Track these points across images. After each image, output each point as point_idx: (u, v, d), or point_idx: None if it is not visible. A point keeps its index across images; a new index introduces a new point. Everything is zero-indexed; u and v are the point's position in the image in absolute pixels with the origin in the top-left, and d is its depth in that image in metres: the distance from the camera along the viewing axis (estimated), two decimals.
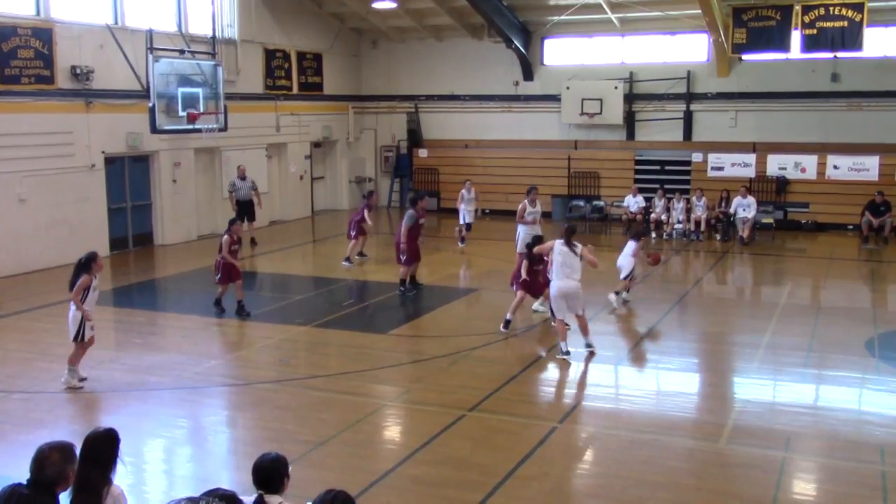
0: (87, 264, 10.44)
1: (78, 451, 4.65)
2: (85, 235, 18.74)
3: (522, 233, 16.09)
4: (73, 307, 10.39)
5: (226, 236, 14.00)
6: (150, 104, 18.86)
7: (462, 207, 21.27)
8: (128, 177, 20.41)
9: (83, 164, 18.76)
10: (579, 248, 11.65)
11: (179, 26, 21.14)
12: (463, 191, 21.48)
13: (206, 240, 21.97)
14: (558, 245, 11.63)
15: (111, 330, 14.22)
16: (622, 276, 14.73)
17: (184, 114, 19.61)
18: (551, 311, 12.08)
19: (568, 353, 11.53)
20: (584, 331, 11.85)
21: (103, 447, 4.74)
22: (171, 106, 19.44)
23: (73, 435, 4.99)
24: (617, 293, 14.64)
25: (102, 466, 4.69)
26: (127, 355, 12.16)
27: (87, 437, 4.76)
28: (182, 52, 20.10)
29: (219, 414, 10.01)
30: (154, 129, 19.22)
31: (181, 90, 19.55)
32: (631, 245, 14.77)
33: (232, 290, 14.08)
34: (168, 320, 14.39)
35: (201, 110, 20.04)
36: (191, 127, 19.99)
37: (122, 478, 4.96)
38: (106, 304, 15.64)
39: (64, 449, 4.57)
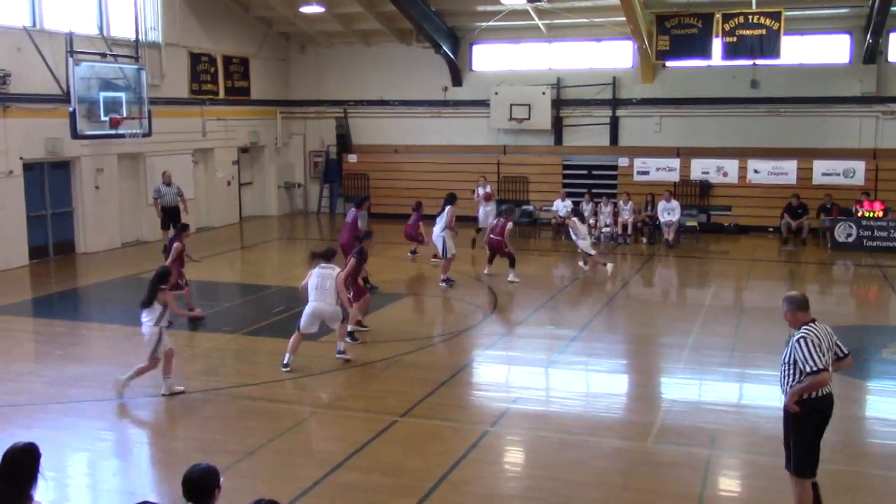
0: (165, 278, 10.37)
1: None
2: (2, 244, 18.21)
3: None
4: (150, 324, 10.18)
5: (177, 243, 13.73)
6: (71, 109, 18.37)
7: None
8: (48, 183, 19.83)
9: (0, 171, 18.16)
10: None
11: (101, 29, 20.65)
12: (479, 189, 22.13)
13: (130, 247, 21.52)
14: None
15: (30, 341, 13.84)
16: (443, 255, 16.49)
17: (106, 119, 19.13)
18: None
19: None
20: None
21: (23, 462, 4.60)
22: (93, 111, 18.94)
23: None
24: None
25: (22, 482, 4.55)
26: (47, 367, 11.81)
27: (6, 453, 4.61)
28: (104, 55, 19.63)
29: (144, 425, 9.80)
30: (75, 135, 18.71)
31: (103, 94, 19.07)
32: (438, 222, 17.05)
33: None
34: (91, 330, 14.03)
35: (124, 115, 19.58)
36: (113, 132, 19.51)
37: (43, 494, 4.81)
38: (25, 314, 15.22)
39: None
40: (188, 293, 13.96)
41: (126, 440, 9.33)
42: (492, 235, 17.35)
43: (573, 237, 18.30)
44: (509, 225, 17.10)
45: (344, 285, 11.60)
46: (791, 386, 6.66)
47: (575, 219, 18.39)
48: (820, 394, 6.63)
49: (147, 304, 10.19)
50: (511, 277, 16.76)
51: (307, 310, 11.32)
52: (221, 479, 4.70)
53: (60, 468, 8.32)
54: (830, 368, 6.63)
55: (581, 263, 18.47)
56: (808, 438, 6.70)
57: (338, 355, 11.70)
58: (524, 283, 16.83)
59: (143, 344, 10.35)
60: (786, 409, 6.78)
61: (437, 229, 17.21)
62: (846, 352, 6.88)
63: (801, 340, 6.59)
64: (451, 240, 17.05)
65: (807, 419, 6.66)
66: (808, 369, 6.51)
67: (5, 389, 10.59)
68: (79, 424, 9.50)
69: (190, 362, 11.89)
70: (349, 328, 12.30)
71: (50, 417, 9.69)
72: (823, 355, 6.53)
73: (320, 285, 11.27)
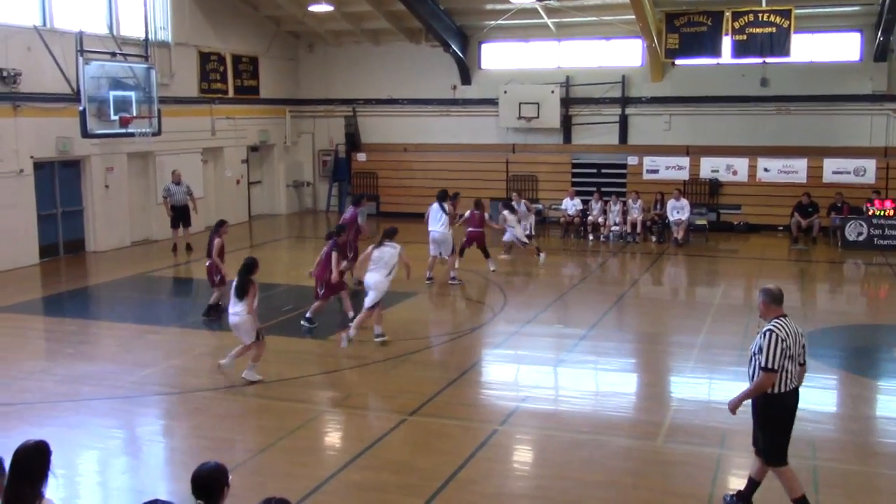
0: (252, 269, 10.93)
1: (7, 465, 4.52)
2: (13, 242, 18.28)
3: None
4: (244, 312, 10.61)
5: (218, 238, 13.81)
6: (81, 108, 18.42)
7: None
8: (58, 182, 19.90)
9: (11, 170, 18.24)
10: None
11: (111, 28, 20.69)
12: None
13: (139, 246, 21.58)
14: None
15: (41, 339, 13.90)
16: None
17: (116, 118, 19.18)
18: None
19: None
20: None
21: (34, 460, 4.61)
22: (103, 110, 19.00)
23: (2, 448, 4.84)
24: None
25: (33, 480, 4.57)
26: (58, 365, 11.86)
27: (17, 451, 4.62)
28: (114, 54, 19.67)
29: (154, 423, 9.82)
30: (85, 134, 18.77)
31: (113, 93, 19.12)
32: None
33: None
34: (101, 329, 14.07)
35: (134, 114, 19.64)
36: (123, 131, 19.57)
37: (53, 491, 4.83)
38: (36, 312, 15.29)
39: None
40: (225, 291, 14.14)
41: (136, 438, 9.35)
42: (470, 229, 17.56)
43: (505, 228, 18.79)
44: (486, 215, 17.69)
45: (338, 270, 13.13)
46: (754, 377, 6.96)
47: (505, 211, 18.92)
48: (785, 389, 6.85)
49: (241, 294, 10.60)
50: (491, 266, 17.50)
51: (367, 281, 12.45)
52: (230, 478, 4.71)
53: (71, 466, 8.35)
54: (792, 366, 6.85)
55: (504, 255, 19.05)
56: (778, 431, 6.97)
57: (376, 338, 12.32)
58: (533, 282, 16.81)
59: (240, 332, 10.76)
60: (754, 402, 7.09)
61: (443, 228, 16.97)
62: (804, 361, 7.07)
63: (769, 333, 6.79)
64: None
65: (774, 413, 6.93)
66: (764, 364, 6.77)
67: (16, 387, 10.64)
68: (89, 422, 9.53)
69: (200, 360, 11.93)
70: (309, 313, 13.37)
71: (61, 415, 9.72)
72: (784, 353, 6.74)
73: (380, 258, 12.39)
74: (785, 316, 6.94)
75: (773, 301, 6.98)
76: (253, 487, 7.22)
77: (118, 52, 19.86)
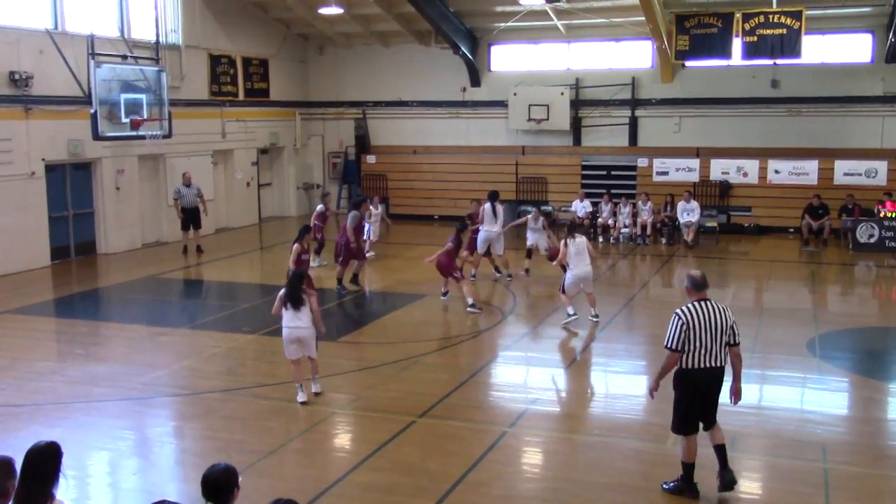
0: (303, 278, 10.55)
1: (18, 466, 4.54)
2: (25, 244, 18.38)
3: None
4: (309, 322, 10.10)
5: (296, 244, 13.78)
6: (92, 110, 18.50)
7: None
8: (69, 184, 20.00)
9: (23, 172, 18.34)
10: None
11: (122, 31, 20.78)
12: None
13: (150, 248, 21.66)
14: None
15: (53, 341, 13.96)
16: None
17: (127, 120, 19.25)
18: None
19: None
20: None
21: (45, 461, 4.63)
22: (114, 112, 19.07)
23: (14, 449, 4.87)
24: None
25: (44, 481, 4.58)
26: (69, 367, 11.91)
27: (29, 452, 4.63)
28: (125, 57, 19.76)
29: (165, 424, 9.85)
30: (96, 136, 18.85)
31: (124, 96, 19.20)
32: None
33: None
34: (112, 330, 14.12)
35: (145, 116, 19.72)
36: (134, 133, 19.64)
37: (64, 492, 4.85)
38: (47, 314, 15.36)
39: (3, 464, 4.46)
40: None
41: (147, 439, 9.37)
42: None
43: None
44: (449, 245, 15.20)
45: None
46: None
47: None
48: (693, 366, 7.36)
49: (298, 304, 10.03)
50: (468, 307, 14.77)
51: (578, 274, 13.44)
52: (240, 479, 4.72)
53: (82, 467, 8.38)
54: (700, 346, 7.30)
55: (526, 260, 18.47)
56: (681, 402, 7.53)
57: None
58: (543, 284, 16.79)
59: (307, 345, 10.13)
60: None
61: (497, 228, 16.93)
62: (738, 341, 7.50)
63: (674, 315, 7.46)
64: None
65: (678, 385, 7.50)
66: (666, 343, 7.42)
67: (28, 389, 10.69)
68: (100, 423, 9.57)
69: (210, 362, 11.96)
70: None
71: (72, 416, 9.76)
72: (684, 334, 7.30)
73: (580, 251, 13.48)
74: (703, 300, 7.44)
75: (693, 286, 7.56)
76: (263, 489, 7.24)
77: (129, 54, 19.94)
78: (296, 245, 13.83)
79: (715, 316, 7.37)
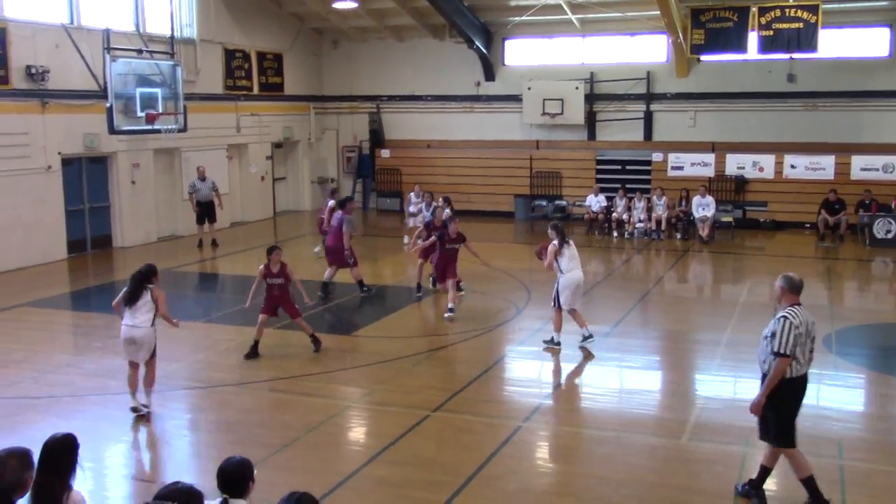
0: (144, 278, 9.65)
1: (36, 458, 4.57)
2: (41, 238, 18.50)
3: None
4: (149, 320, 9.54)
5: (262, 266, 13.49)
6: (108, 104, 18.59)
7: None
8: (85, 178, 20.11)
9: (39, 166, 18.45)
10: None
11: (137, 26, 20.87)
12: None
13: (165, 242, 21.74)
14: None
15: (69, 334, 14.05)
16: None
17: (142, 114, 19.33)
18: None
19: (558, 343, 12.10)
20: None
21: (62, 453, 4.67)
22: (130, 106, 19.15)
23: (31, 441, 4.90)
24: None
25: (61, 472, 4.62)
26: (86, 359, 11.99)
27: (46, 443, 4.68)
28: (140, 51, 19.82)
29: (181, 417, 9.90)
30: (112, 130, 18.95)
31: (139, 90, 19.28)
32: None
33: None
34: None
35: (160, 111, 19.78)
36: (149, 127, 19.72)
37: (81, 484, 4.88)
38: (64, 307, 15.45)
39: (22, 455, 4.49)
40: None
41: (162, 432, 9.42)
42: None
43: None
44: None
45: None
46: (765, 361, 7.08)
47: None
48: (795, 374, 6.97)
49: (132, 301, 9.46)
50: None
51: (573, 278, 12.14)
52: (255, 472, 4.75)
53: (98, 459, 8.44)
54: (802, 353, 6.95)
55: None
56: (786, 414, 7.08)
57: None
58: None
59: (139, 347, 9.59)
60: (762, 381, 7.16)
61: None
62: (812, 349, 7.16)
63: (783, 319, 6.94)
64: None
65: (783, 396, 7.02)
66: (778, 349, 6.89)
67: (45, 381, 10.77)
68: (117, 416, 9.62)
69: (225, 356, 12.01)
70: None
71: (88, 409, 9.84)
72: (796, 339, 6.86)
73: (574, 255, 12.32)
74: (799, 304, 7.07)
75: (792, 289, 7.12)
76: (278, 482, 7.26)
77: (144, 49, 20.01)
78: (261, 267, 12.43)
79: (809, 323, 7.06)
